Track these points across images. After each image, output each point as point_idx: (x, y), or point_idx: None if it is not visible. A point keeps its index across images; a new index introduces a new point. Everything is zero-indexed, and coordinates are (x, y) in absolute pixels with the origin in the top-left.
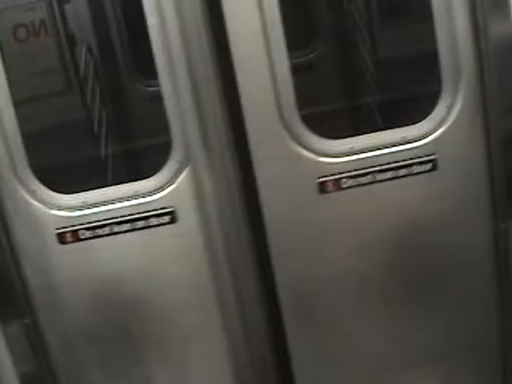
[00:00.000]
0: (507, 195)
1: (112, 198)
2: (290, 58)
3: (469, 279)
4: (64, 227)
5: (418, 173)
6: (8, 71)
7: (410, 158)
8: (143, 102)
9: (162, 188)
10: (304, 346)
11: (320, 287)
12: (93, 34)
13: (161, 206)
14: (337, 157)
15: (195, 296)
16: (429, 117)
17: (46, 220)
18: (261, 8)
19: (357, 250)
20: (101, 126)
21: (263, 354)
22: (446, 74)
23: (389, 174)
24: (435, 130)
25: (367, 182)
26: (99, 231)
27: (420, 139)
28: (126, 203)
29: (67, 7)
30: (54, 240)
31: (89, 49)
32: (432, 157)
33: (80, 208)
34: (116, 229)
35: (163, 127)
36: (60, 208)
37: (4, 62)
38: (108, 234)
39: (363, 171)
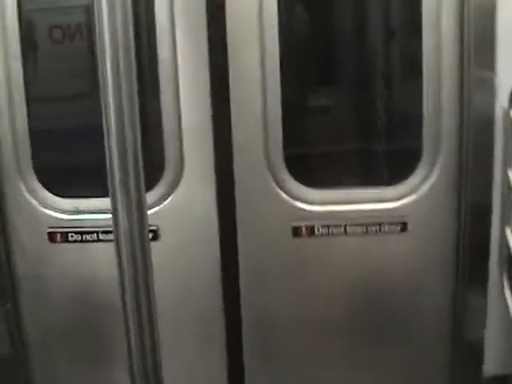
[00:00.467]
0: (469, 262)
1: (103, 208)
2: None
3: (425, 337)
4: (55, 227)
5: (387, 232)
6: (40, 70)
7: (382, 217)
8: None
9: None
10: (261, 381)
11: (282, 325)
12: None
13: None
14: (312, 204)
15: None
16: (405, 181)
17: (40, 218)
18: (263, 52)
19: (322, 294)
20: None
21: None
22: (427, 144)
23: (359, 229)
24: (409, 195)
25: (338, 233)
26: (87, 236)
27: (393, 201)
28: None
29: None
30: (45, 237)
31: None
32: (403, 219)
33: (72, 212)
34: (102, 237)
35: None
36: (54, 209)
37: (37, 60)
38: (95, 241)
39: (336, 222)
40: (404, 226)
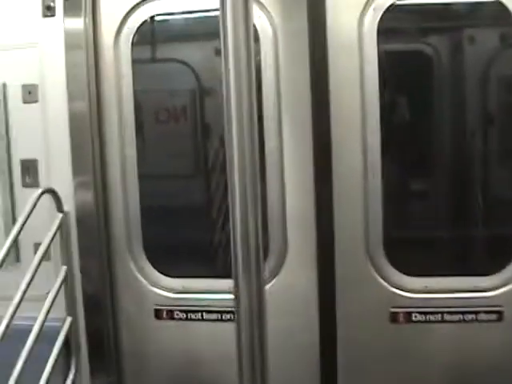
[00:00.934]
0: None
1: (208, 289)
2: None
3: None
4: (162, 305)
5: (484, 320)
6: (145, 149)
7: (478, 306)
8: None
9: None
10: None
11: None
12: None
13: None
14: (410, 291)
15: None
16: (501, 271)
17: (147, 295)
18: (364, 142)
19: (418, 381)
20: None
21: None
22: None
23: (456, 317)
24: (505, 285)
25: (435, 320)
26: (192, 315)
27: (490, 290)
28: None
29: (207, 99)
30: (151, 314)
31: (221, 139)
32: (499, 308)
33: (178, 291)
34: (206, 316)
35: None
36: (161, 287)
37: (144, 140)
38: (199, 320)
39: (433, 310)
40: (500, 316)
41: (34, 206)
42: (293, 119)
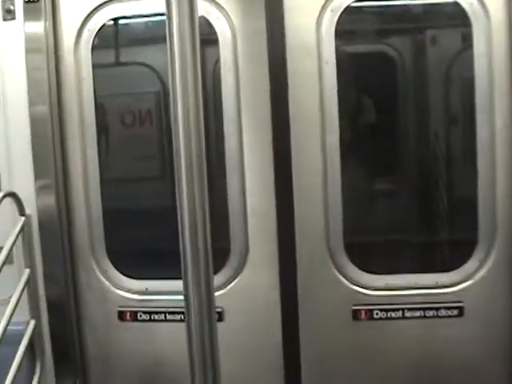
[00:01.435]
0: None
1: (171, 290)
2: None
3: None
4: (125, 307)
5: (444, 316)
6: (107, 152)
7: (439, 302)
8: None
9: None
10: None
11: None
12: None
13: None
14: (372, 289)
15: None
16: (461, 267)
17: (110, 297)
18: (324, 141)
19: (380, 376)
20: None
21: None
22: (483, 230)
23: (417, 313)
24: (465, 280)
25: (397, 316)
26: (155, 316)
27: (450, 286)
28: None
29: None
30: (115, 316)
31: None
32: (459, 304)
33: (141, 293)
34: (169, 317)
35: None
36: (124, 289)
37: (106, 143)
38: (162, 320)
39: (394, 307)
40: (461, 311)
41: None
42: (252, 120)
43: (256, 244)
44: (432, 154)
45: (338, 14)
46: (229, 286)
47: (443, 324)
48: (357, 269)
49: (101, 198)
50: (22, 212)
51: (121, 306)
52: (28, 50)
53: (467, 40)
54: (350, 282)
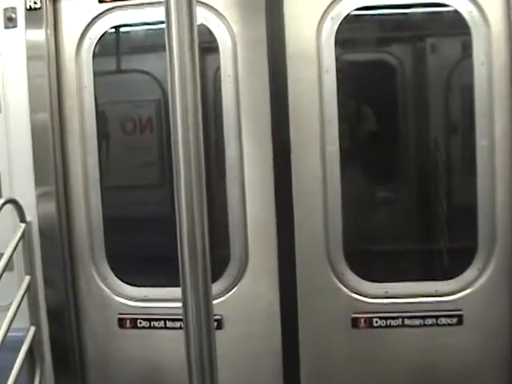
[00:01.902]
0: None
1: (170, 297)
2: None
3: None
4: (125, 314)
5: (444, 324)
6: (108, 159)
7: (439, 310)
8: None
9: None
10: None
11: None
12: None
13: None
14: (371, 297)
15: None
16: (461, 275)
17: (110, 304)
18: (323, 151)
19: (376, 383)
20: None
21: None
22: (482, 238)
23: (417, 322)
24: (465, 289)
25: (396, 324)
26: (155, 323)
27: (450, 294)
28: None
29: None
30: (115, 323)
31: None
32: (459, 312)
33: (141, 300)
34: (169, 324)
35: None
36: (124, 296)
37: (107, 150)
38: (162, 328)
39: (393, 315)
40: (460, 319)
41: None
42: (252, 128)
43: (256, 252)
44: (432, 162)
45: (339, 23)
46: (228, 294)
47: (443, 332)
48: (356, 277)
49: (101, 206)
50: (22, 219)
51: (120, 313)
52: (29, 58)
53: (467, 48)
54: (349, 289)
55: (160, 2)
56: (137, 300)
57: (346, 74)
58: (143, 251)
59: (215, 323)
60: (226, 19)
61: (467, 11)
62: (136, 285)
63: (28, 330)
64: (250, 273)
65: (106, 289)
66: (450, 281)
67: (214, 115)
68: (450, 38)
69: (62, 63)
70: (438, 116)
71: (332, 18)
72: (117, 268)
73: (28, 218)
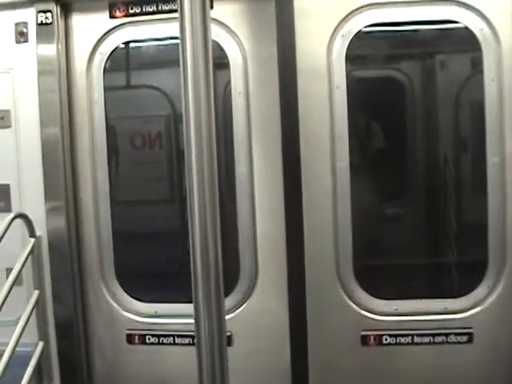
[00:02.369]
0: None
1: (179, 313)
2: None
3: None
4: (133, 329)
5: (454, 342)
6: (118, 174)
7: (449, 328)
8: None
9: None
10: None
11: None
12: None
13: None
14: (381, 314)
15: None
16: (471, 293)
17: (119, 320)
18: (334, 167)
19: None
20: None
21: None
22: (492, 256)
23: (427, 339)
24: (475, 307)
25: (406, 342)
26: (164, 339)
27: (460, 312)
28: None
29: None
30: (123, 339)
31: None
32: (469, 330)
33: (150, 316)
34: (178, 340)
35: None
36: (133, 312)
37: (117, 165)
38: (171, 344)
39: (403, 332)
40: (470, 337)
41: (6, 230)
42: (263, 144)
43: (265, 268)
44: (442, 179)
45: (349, 40)
46: (238, 310)
47: (453, 350)
48: (366, 294)
49: (111, 221)
50: (32, 233)
51: (129, 329)
52: (40, 73)
53: (477, 65)
54: (359, 307)
55: (171, 18)
56: (146, 316)
57: (357, 91)
58: (152, 267)
59: None
60: (237, 36)
61: (478, 28)
62: (145, 301)
63: (36, 345)
64: (260, 289)
65: (114, 304)
66: (460, 298)
67: (224, 131)
68: (460, 55)
69: (73, 78)
70: (448, 132)
71: (343, 35)
72: (126, 284)
73: (37, 233)
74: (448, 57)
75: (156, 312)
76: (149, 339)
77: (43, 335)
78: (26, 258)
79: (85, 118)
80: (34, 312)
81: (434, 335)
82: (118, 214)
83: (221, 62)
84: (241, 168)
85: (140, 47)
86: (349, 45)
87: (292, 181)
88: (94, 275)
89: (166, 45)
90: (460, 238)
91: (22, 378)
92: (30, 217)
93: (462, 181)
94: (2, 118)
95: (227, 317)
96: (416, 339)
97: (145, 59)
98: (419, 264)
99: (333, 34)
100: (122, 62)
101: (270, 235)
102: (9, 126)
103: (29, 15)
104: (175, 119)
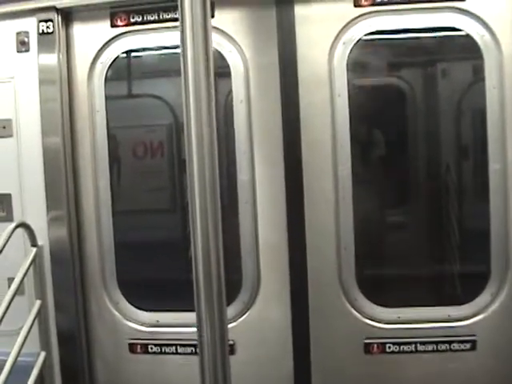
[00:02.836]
0: None
1: (182, 322)
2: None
3: None
4: (136, 339)
5: (457, 350)
6: (120, 184)
7: (452, 336)
8: None
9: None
10: None
11: None
12: None
13: None
14: (384, 322)
15: None
16: (474, 301)
17: (121, 329)
18: (336, 177)
19: None
20: None
21: None
22: (495, 263)
23: (430, 347)
24: (478, 314)
25: (409, 350)
26: (166, 349)
27: (463, 320)
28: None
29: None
30: (125, 348)
31: None
32: (472, 337)
33: (152, 325)
34: (180, 350)
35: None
36: (135, 321)
37: (119, 175)
38: (173, 353)
39: (406, 340)
40: (474, 345)
41: (8, 239)
42: (265, 152)
43: (268, 277)
44: (444, 187)
45: (350, 47)
46: (240, 319)
47: (456, 358)
48: (369, 302)
49: (113, 230)
50: (33, 243)
51: (131, 338)
52: (42, 82)
53: (478, 72)
54: (361, 315)
55: (172, 27)
56: (148, 325)
57: (358, 98)
58: (155, 276)
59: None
60: (238, 44)
61: (479, 35)
62: (147, 310)
63: (38, 355)
64: (262, 297)
65: (117, 313)
66: (463, 306)
67: (225, 139)
68: (461, 62)
69: (74, 87)
70: (450, 139)
71: (344, 43)
72: (128, 293)
73: (39, 242)
74: (449, 64)
75: (158, 321)
76: (151, 348)
77: (45, 345)
78: (28, 268)
79: (86, 127)
80: (36, 322)
81: (437, 343)
82: (120, 223)
83: (223, 72)
84: (243, 176)
85: (141, 56)
86: (350, 52)
87: (294, 188)
88: (96, 284)
89: (167, 54)
90: (463, 245)
91: None
92: (32, 226)
93: (464, 188)
94: (4, 128)
95: (230, 325)
96: (419, 347)
97: (146, 68)
98: (422, 271)
99: (334, 41)
100: (124, 70)
101: (273, 243)
102: (10, 136)
103: (30, 24)
104: (177, 128)
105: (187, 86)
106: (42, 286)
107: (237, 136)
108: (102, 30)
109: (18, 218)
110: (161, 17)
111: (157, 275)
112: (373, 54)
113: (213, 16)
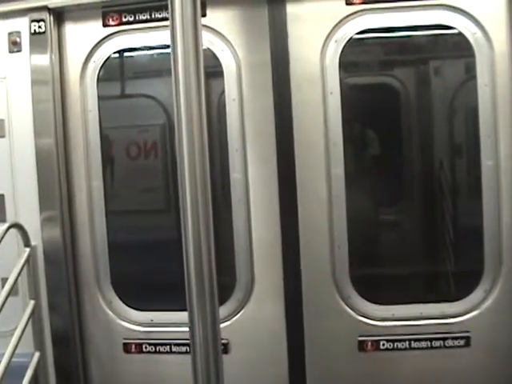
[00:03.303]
0: None
1: (176, 322)
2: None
3: None
4: (130, 338)
5: (451, 346)
6: (113, 184)
7: (446, 332)
8: None
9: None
10: None
11: None
12: None
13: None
14: (378, 319)
15: None
16: (467, 297)
17: (115, 329)
18: (329, 174)
19: None
20: None
21: None
22: (488, 260)
23: (424, 344)
24: (472, 311)
25: (403, 347)
26: (160, 348)
27: (457, 316)
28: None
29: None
30: (120, 348)
31: None
32: (466, 334)
33: (146, 325)
34: (175, 349)
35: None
36: (129, 321)
37: (111, 175)
38: (167, 352)
39: (400, 337)
40: (467, 341)
41: (1, 240)
42: (257, 151)
43: (261, 275)
44: (437, 185)
45: (342, 46)
46: (234, 318)
47: (450, 354)
48: (363, 299)
49: (106, 230)
50: (27, 243)
51: (126, 338)
52: (34, 82)
53: (470, 70)
54: (355, 312)
55: (164, 26)
56: (142, 325)
57: (351, 97)
58: (148, 276)
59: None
60: (230, 43)
61: (471, 33)
62: (141, 309)
63: (32, 356)
64: (256, 296)
65: (110, 313)
66: (456, 303)
67: (218, 139)
68: (453, 60)
69: (67, 87)
70: (442, 137)
71: (336, 41)
72: (122, 292)
73: (33, 243)
74: (441, 62)
75: (152, 320)
76: (145, 348)
77: (39, 345)
78: (22, 268)
79: (79, 127)
80: (30, 322)
81: (431, 340)
82: (113, 223)
83: (215, 71)
84: (236, 174)
85: (133, 56)
86: (342, 51)
87: (287, 186)
88: (89, 284)
89: (159, 53)
90: (456, 243)
91: None
92: (25, 226)
93: (457, 185)
94: None
95: (224, 325)
96: (413, 344)
97: (138, 68)
98: (415, 269)
99: (326, 39)
100: (116, 70)
101: (266, 242)
102: (3, 136)
103: (22, 24)
104: (170, 128)
105: (177, 84)
106: (35, 287)
107: (229, 134)
108: (94, 29)
109: (11, 218)
110: (153, 16)
111: (150, 275)
112: (365, 52)
113: (204, 15)
